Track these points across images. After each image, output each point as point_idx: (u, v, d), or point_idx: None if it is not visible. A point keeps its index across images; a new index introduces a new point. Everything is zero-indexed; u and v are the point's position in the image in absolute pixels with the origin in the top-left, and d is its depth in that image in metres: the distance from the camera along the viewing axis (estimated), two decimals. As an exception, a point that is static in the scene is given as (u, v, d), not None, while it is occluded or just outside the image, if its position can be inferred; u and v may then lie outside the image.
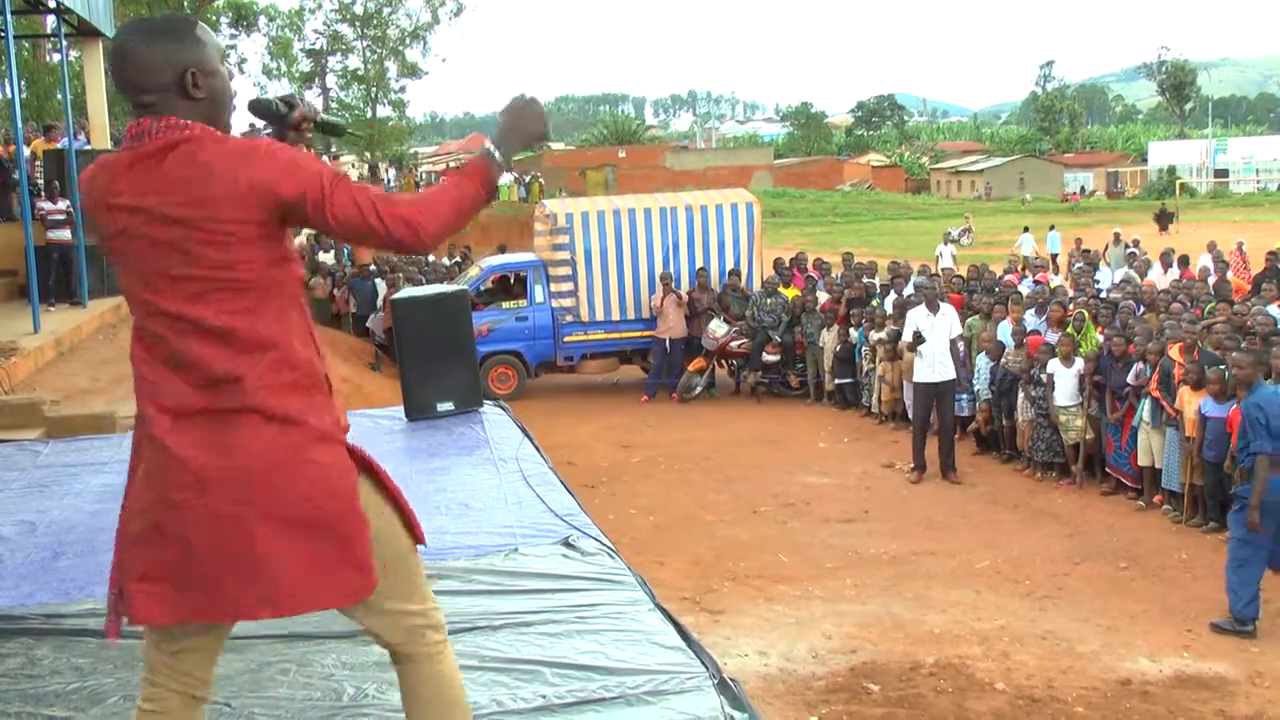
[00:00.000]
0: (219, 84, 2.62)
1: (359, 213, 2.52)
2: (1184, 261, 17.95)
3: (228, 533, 2.49)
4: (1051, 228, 34.25)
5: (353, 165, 41.69)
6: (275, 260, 2.55)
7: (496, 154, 2.70)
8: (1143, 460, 10.96)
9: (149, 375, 2.58)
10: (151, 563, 2.54)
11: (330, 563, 2.56)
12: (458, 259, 23.35)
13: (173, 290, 2.51)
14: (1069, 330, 12.38)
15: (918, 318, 12.26)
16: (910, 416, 13.53)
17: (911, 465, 12.42)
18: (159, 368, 2.56)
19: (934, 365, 12.13)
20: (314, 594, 2.56)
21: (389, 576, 2.66)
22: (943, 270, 20.59)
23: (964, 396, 13.08)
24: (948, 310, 12.37)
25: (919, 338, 12.06)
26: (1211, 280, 15.37)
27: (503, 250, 23.41)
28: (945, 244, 27.19)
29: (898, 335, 14.01)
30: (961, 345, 12.44)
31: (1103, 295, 14.65)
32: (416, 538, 2.80)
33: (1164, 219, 42.52)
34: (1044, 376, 11.79)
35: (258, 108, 2.84)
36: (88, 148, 17.39)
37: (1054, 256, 31.51)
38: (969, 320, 13.70)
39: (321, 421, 2.58)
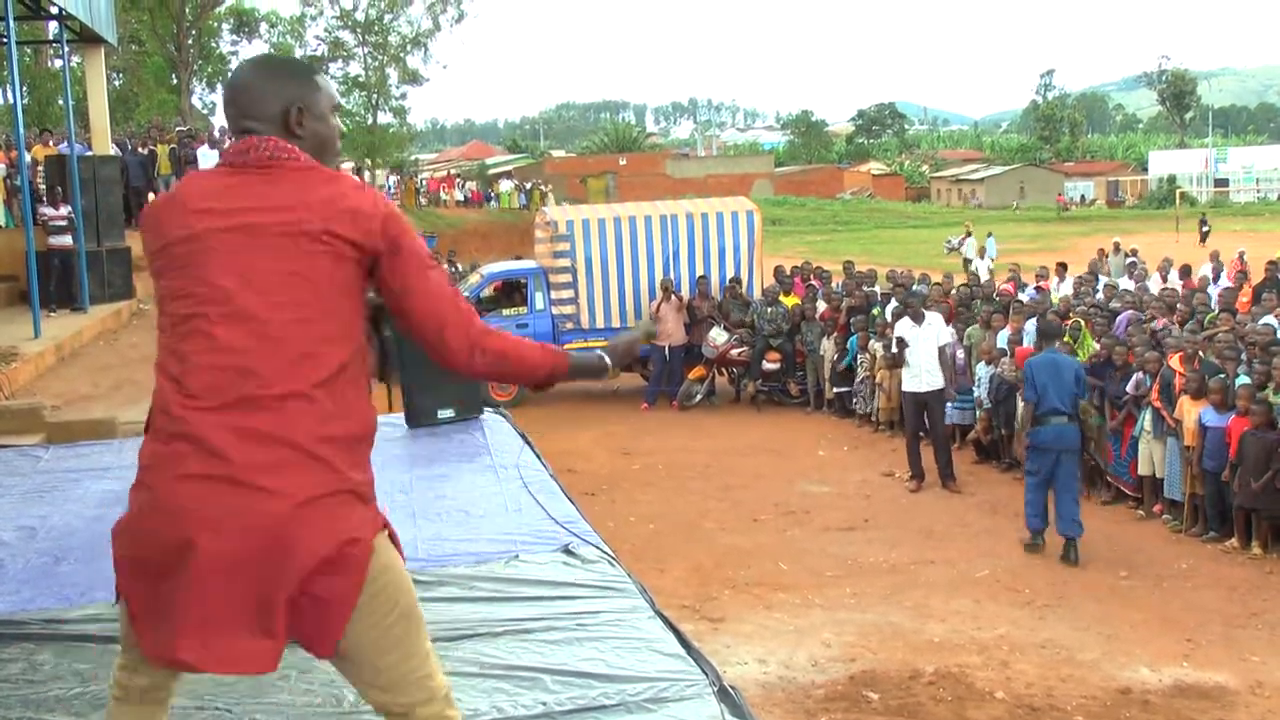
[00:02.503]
0: (323, 130, 2.65)
1: (442, 292, 2.56)
2: (1185, 271, 17.96)
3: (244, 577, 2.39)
4: (989, 234, 34.74)
5: (353, 171, 41.78)
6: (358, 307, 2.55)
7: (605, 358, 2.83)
8: (1143, 470, 10.97)
9: (180, 375, 2.43)
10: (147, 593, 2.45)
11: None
12: (456, 266, 23.35)
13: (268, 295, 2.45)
14: (1065, 339, 12.38)
15: (903, 328, 12.34)
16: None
17: (910, 474, 12.43)
18: (197, 368, 2.41)
19: (920, 375, 12.17)
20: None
21: (403, 630, 2.53)
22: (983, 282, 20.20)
23: (967, 405, 13.09)
24: (934, 319, 12.40)
25: (901, 345, 12.13)
26: (1216, 290, 15.38)
27: (519, 260, 23.37)
28: (982, 258, 26.55)
29: (889, 345, 14.04)
30: (960, 353, 12.47)
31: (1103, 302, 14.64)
32: None
33: (1203, 228, 41.83)
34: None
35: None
36: (89, 153, 17.43)
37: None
38: (969, 329, 13.72)
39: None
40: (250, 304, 2.40)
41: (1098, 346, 12.13)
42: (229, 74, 2.72)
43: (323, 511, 2.37)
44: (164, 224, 2.54)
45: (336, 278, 2.46)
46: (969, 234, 35.48)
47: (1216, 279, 17.61)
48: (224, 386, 2.36)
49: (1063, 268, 19.80)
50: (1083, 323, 12.84)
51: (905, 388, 12.42)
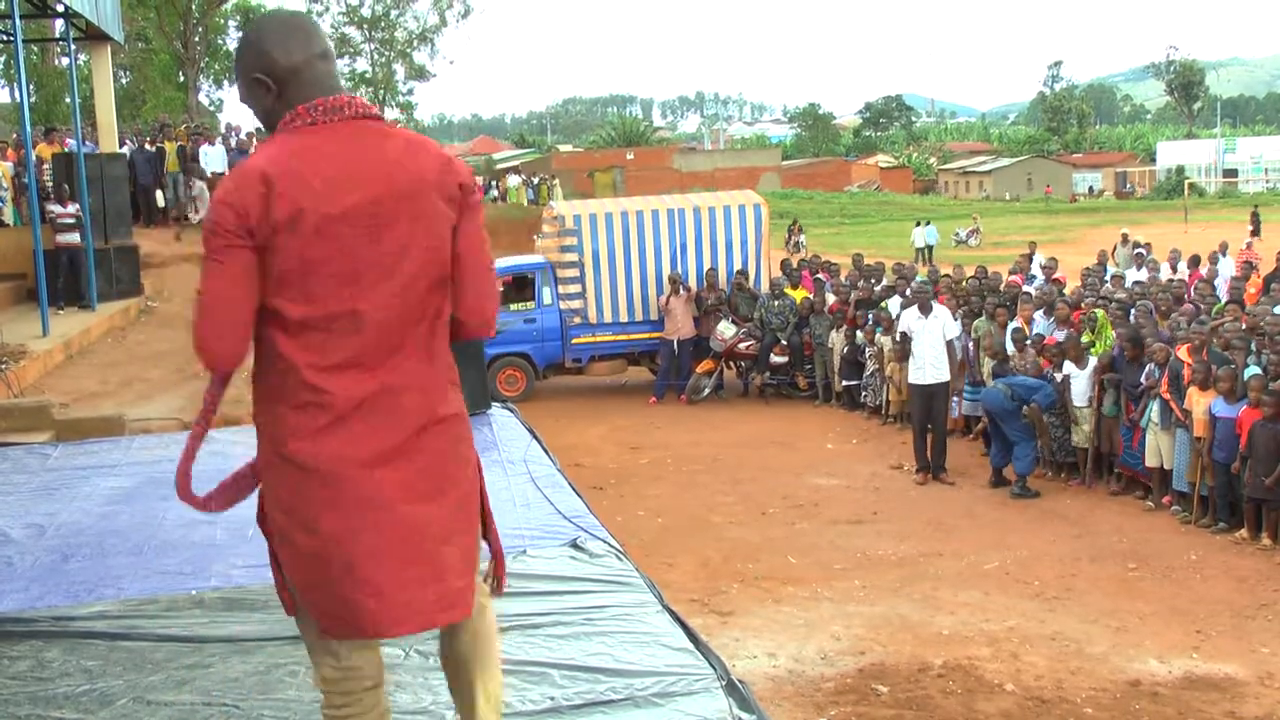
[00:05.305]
0: None
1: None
2: (1194, 262, 17.90)
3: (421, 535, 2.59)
4: (929, 222, 35.01)
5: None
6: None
7: None
8: (1151, 461, 10.93)
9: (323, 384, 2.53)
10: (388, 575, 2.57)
11: (468, 568, 2.75)
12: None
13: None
14: (1087, 333, 12.34)
15: (909, 319, 12.32)
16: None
17: (917, 467, 12.41)
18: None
19: (925, 367, 12.16)
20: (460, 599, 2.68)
21: None
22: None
23: (976, 396, 13.05)
24: (940, 312, 12.39)
25: (905, 338, 12.14)
26: (1224, 282, 15.33)
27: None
28: (1034, 251, 25.73)
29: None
30: (960, 345, 12.49)
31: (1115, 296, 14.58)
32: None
33: (1256, 221, 39.17)
34: (1058, 378, 11.76)
35: None
36: (96, 151, 17.45)
37: (930, 249, 33.07)
38: (976, 322, 13.67)
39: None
40: None
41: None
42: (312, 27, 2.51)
43: None
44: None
45: None
46: (977, 227, 35.48)
47: (1214, 264, 17.63)
48: None
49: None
50: (1102, 314, 12.77)
51: (911, 380, 12.41)
